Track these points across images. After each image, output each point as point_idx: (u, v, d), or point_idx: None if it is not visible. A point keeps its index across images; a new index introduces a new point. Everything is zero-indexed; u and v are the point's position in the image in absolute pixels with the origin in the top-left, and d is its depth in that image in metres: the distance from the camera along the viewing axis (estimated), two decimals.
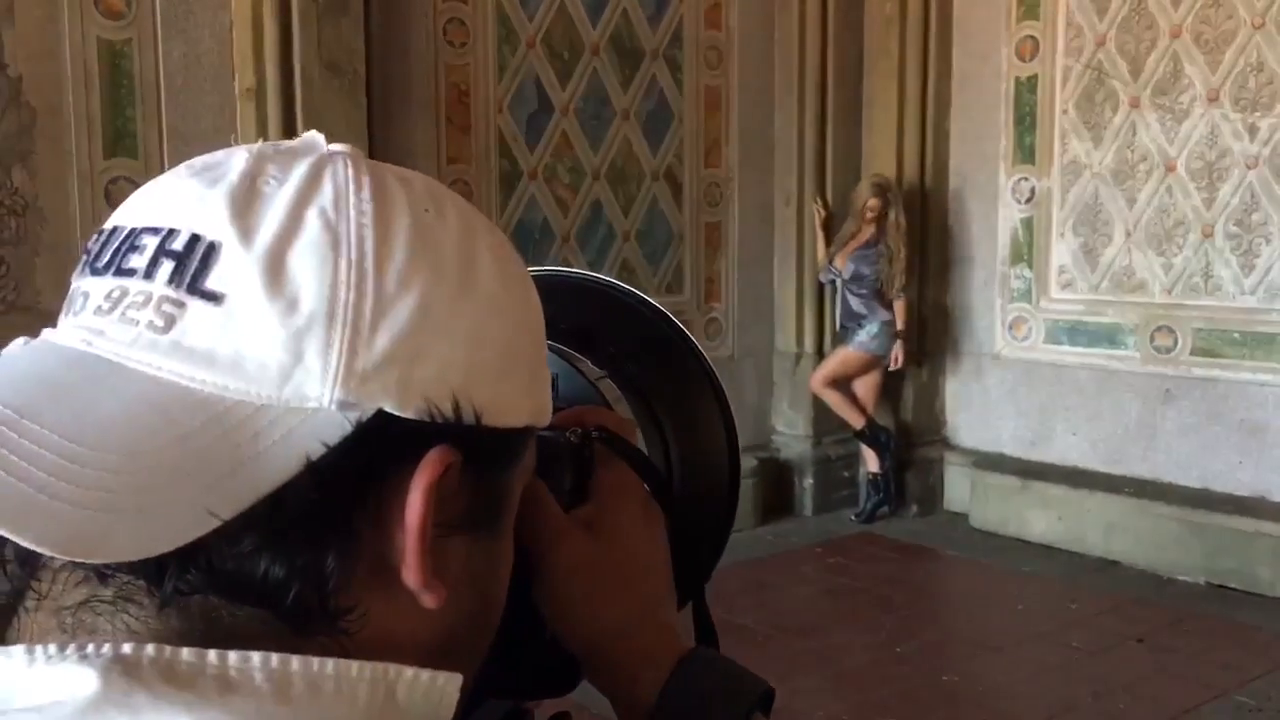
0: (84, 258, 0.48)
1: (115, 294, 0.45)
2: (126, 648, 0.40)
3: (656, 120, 5.96)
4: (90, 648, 0.40)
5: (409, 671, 0.44)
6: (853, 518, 6.20)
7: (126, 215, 0.48)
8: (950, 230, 6.46)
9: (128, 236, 0.47)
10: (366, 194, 0.47)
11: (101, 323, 0.45)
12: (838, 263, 6.06)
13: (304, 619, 0.44)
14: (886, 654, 4.39)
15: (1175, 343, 5.61)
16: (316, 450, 0.43)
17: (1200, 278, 5.52)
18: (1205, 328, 5.51)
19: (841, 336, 6.16)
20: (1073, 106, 5.90)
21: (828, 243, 6.20)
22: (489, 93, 5.37)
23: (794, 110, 6.29)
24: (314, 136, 0.51)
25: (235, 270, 0.44)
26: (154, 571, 0.42)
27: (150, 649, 0.40)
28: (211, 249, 0.45)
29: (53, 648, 0.40)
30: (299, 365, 0.44)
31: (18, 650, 0.40)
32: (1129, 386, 5.77)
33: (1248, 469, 5.37)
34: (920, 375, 6.44)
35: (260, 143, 0.50)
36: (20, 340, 0.48)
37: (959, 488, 6.28)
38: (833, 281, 6.17)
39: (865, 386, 6.13)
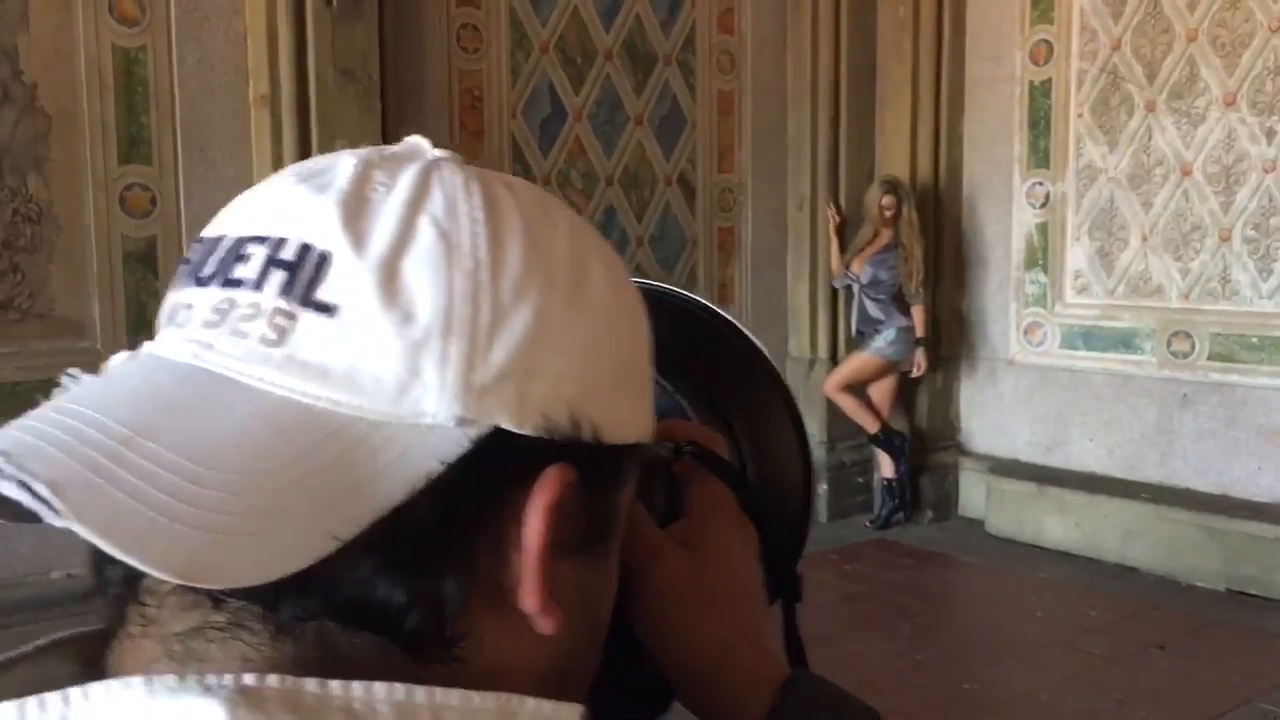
0: (183, 267, 0.46)
1: (223, 306, 0.43)
2: (249, 678, 0.38)
3: (669, 125, 5.95)
4: (211, 678, 0.38)
5: (530, 702, 0.42)
6: (868, 524, 6.17)
7: (228, 223, 0.46)
8: (964, 234, 6.44)
9: (233, 246, 0.45)
10: (478, 201, 0.45)
11: (210, 336, 0.43)
12: (855, 267, 6.04)
13: (421, 646, 0.42)
14: (906, 661, 4.36)
15: (1192, 347, 5.58)
16: (434, 468, 0.42)
17: (1218, 282, 5.49)
18: (1223, 332, 5.48)
19: (857, 342, 6.13)
20: (1088, 110, 5.88)
21: (841, 248, 6.18)
22: (502, 98, 5.36)
23: (807, 114, 6.27)
24: (417, 141, 0.49)
25: (349, 281, 0.42)
26: (270, 597, 0.40)
27: (273, 679, 0.38)
28: (323, 259, 0.43)
29: (172, 679, 0.38)
30: (416, 379, 0.42)
31: (137, 681, 0.38)
32: (1145, 392, 5.74)
33: (1267, 474, 5.34)
34: (934, 380, 6.41)
35: (365, 148, 0.48)
36: (123, 354, 0.46)
37: (974, 494, 6.25)
38: (849, 287, 6.15)
39: (881, 392, 6.11)
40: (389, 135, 4.28)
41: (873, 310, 5.99)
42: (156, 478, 0.38)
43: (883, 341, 5.97)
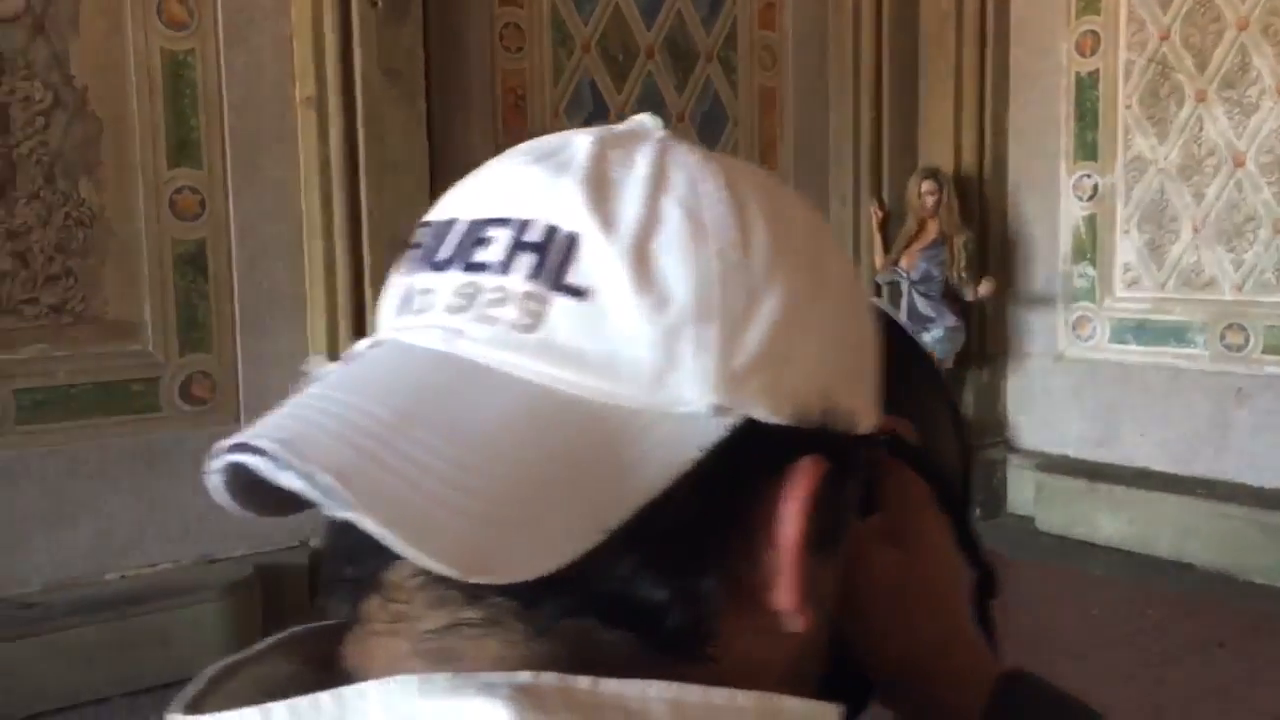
0: (414, 251, 0.45)
1: (467, 290, 0.42)
2: (525, 677, 0.36)
3: (711, 122, 5.92)
4: (488, 677, 0.36)
5: (789, 701, 0.40)
6: None
7: (458, 206, 0.45)
8: (1010, 229, 6.37)
9: (469, 229, 0.43)
10: (720, 181, 0.44)
11: (457, 321, 0.41)
12: (904, 263, 5.99)
13: (676, 644, 0.40)
14: None
15: (1246, 340, 5.49)
16: (692, 460, 0.40)
17: (1272, 274, 5.40)
18: (1278, 325, 5.39)
19: None
20: (1136, 101, 5.80)
21: (885, 245, 6.13)
22: (545, 97, 5.35)
23: (849, 110, 6.23)
24: (644, 120, 0.47)
25: (600, 264, 0.41)
26: (530, 593, 0.38)
27: (549, 678, 0.36)
28: (572, 241, 0.41)
29: (444, 677, 0.36)
30: (673, 366, 0.40)
31: (411, 679, 0.37)
32: (1198, 386, 5.66)
33: None
34: (981, 376, 6.35)
35: (596, 127, 0.46)
36: (365, 342, 0.44)
37: (1023, 490, 6.18)
38: (893, 283, 6.09)
39: None
40: (434, 135, 4.30)
41: (923, 307, 5.93)
42: (430, 468, 0.37)
43: (929, 339, 5.91)
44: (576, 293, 0.40)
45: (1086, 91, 5.99)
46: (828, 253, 0.46)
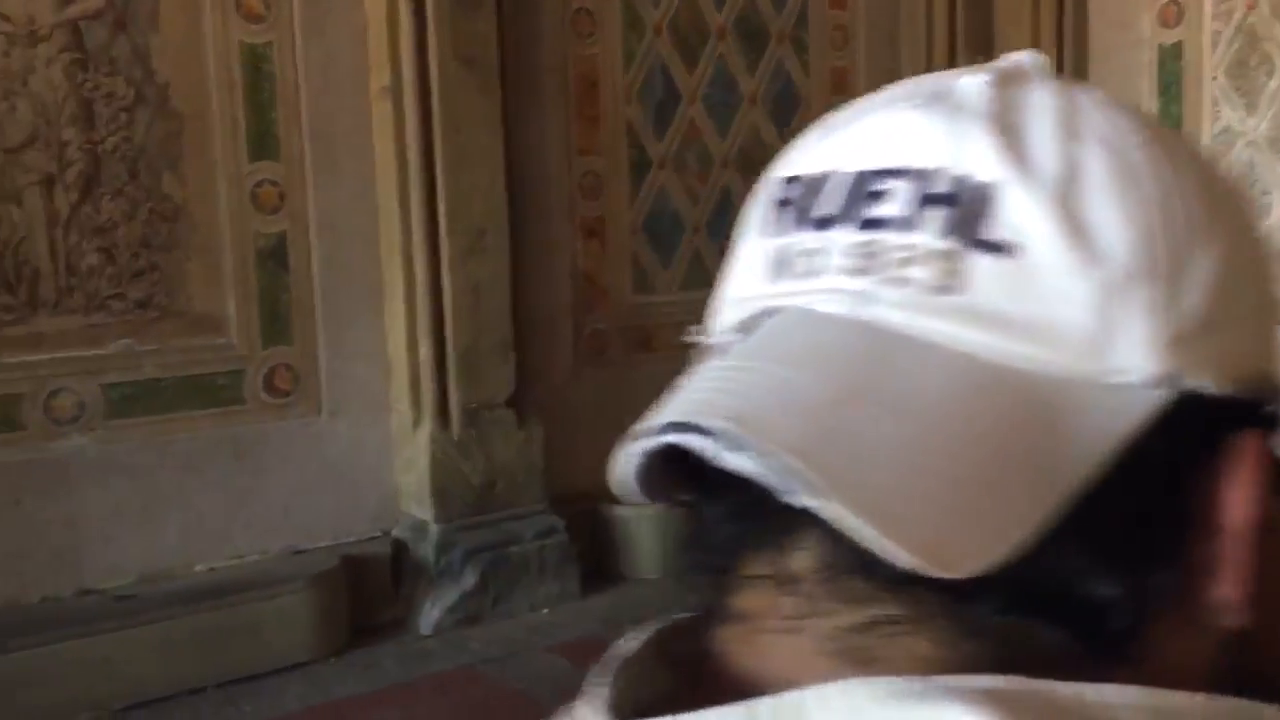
0: (781, 209, 0.40)
1: (867, 249, 0.37)
2: (993, 681, 0.32)
3: (783, 104, 5.83)
4: (953, 680, 0.32)
5: (1267, 709, 0.36)
6: None
7: (835, 157, 0.40)
8: None
9: (855, 182, 0.39)
10: (1138, 123, 0.39)
11: (861, 284, 0.37)
12: None
13: (1115, 645, 0.36)
14: None
15: None
16: (1130, 435, 0.35)
17: None
18: None
19: None
20: (1223, 73, 5.63)
21: None
22: (617, 82, 5.30)
23: None
24: (1023, 58, 0.42)
25: (1023, 216, 0.36)
26: (964, 587, 0.34)
27: (1017, 683, 0.32)
28: (988, 192, 0.37)
29: (903, 682, 0.32)
30: (1110, 330, 0.36)
31: (872, 684, 0.33)
32: None
33: None
34: None
35: (976, 66, 0.42)
36: (749, 309, 0.40)
37: None
38: None
39: None
40: (510, 123, 4.26)
41: None
42: (881, 448, 0.33)
43: None
44: (998, 249, 0.36)
45: (1170, 64, 5.82)
46: (1246, 203, 0.42)
